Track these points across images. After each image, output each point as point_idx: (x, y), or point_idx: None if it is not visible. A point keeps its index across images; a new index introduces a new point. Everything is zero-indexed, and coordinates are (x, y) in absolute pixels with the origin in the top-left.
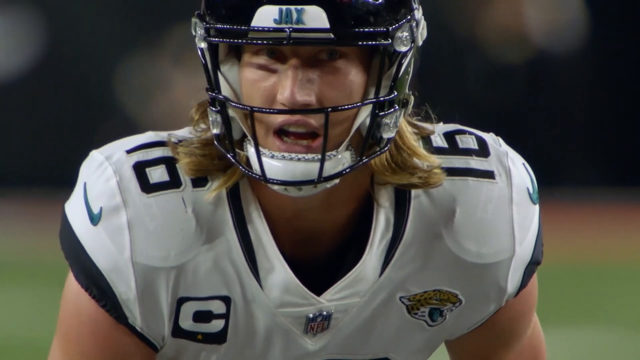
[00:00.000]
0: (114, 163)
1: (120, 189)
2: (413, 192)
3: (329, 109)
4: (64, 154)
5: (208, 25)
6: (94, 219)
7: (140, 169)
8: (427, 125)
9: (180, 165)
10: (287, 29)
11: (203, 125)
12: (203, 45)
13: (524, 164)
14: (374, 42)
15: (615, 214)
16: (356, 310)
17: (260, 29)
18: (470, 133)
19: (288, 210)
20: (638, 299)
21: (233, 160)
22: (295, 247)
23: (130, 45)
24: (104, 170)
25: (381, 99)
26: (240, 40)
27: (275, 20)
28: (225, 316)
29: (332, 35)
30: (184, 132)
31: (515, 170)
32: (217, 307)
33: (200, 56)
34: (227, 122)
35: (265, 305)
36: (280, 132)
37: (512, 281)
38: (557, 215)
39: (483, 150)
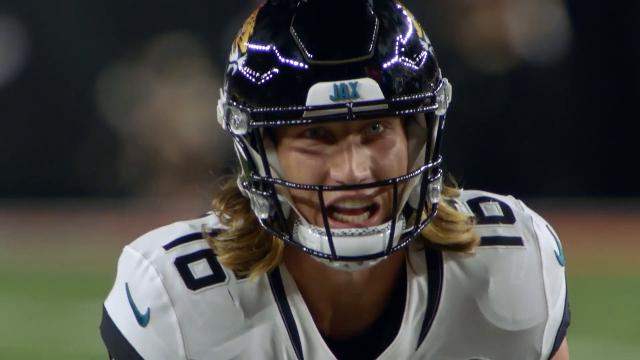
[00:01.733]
0: (154, 261)
1: (165, 287)
2: (445, 261)
3: (397, 179)
4: (46, 165)
5: (256, 111)
6: (143, 320)
7: (182, 265)
8: (451, 188)
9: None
10: (347, 104)
11: (227, 216)
12: (242, 131)
13: (547, 226)
14: (427, 108)
15: (597, 225)
16: None
17: (317, 107)
18: (494, 200)
19: (329, 289)
20: (622, 310)
21: (290, 241)
22: (333, 324)
23: (112, 57)
24: (145, 270)
25: (435, 163)
26: (300, 121)
27: (331, 97)
28: None
29: (386, 106)
30: (211, 221)
31: (542, 234)
32: None
33: (239, 142)
34: (279, 206)
35: None
36: (331, 210)
37: (546, 344)
38: None
39: (508, 216)
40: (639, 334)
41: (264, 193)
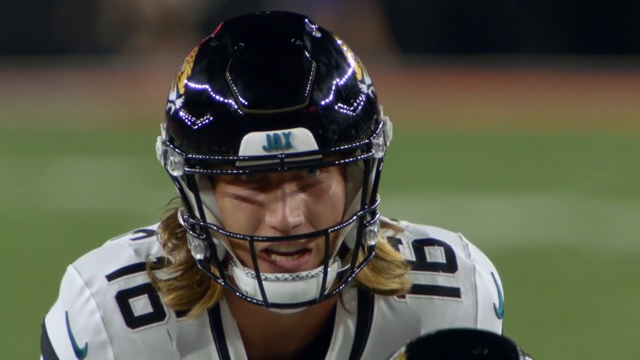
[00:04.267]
0: (96, 294)
1: (105, 324)
2: (376, 304)
3: (329, 230)
4: (23, 23)
5: (191, 156)
6: (81, 353)
7: (123, 300)
8: (394, 223)
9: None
10: (279, 156)
11: (171, 245)
12: (178, 173)
13: (492, 274)
14: (360, 157)
15: (574, 82)
16: None
17: (250, 157)
18: (440, 244)
19: (265, 323)
20: (593, 166)
21: (225, 286)
22: (265, 353)
23: None
24: (86, 301)
25: (369, 209)
26: (231, 171)
27: (264, 147)
28: None
29: (320, 156)
30: (156, 246)
31: (482, 286)
32: None
33: (176, 182)
34: (214, 249)
35: None
36: (267, 250)
37: None
38: (516, 83)
39: (450, 264)
40: (616, 191)
41: (199, 236)
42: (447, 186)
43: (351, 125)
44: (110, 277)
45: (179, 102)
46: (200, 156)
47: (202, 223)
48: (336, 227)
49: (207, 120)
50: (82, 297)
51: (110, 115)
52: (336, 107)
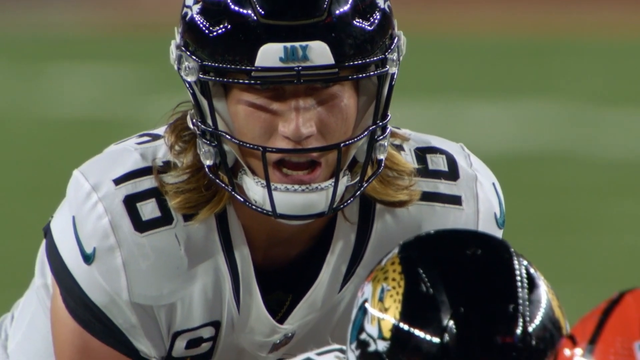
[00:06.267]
0: (103, 198)
1: (113, 228)
2: (377, 211)
3: (342, 144)
4: None
5: (206, 64)
6: (88, 258)
7: (131, 204)
8: (401, 132)
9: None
10: (296, 68)
11: (178, 148)
12: (192, 79)
13: (493, 184)
14: (375, 72)
15: None
16: (317, 321)
17: (266, 68)
18: (442, 152)
19: (270, 229)
20: (587, 71)
21: (233, 194)
22: (266, 254)
23: None
24: (93, 206)
25: (381, 123)
26: (248, 81)
27: (281, 59)
28: (214, 338)
29: (336, 70)
30: (162, 150)
31: (484, 195)
32: (208, 332)
33: (189, 88)
34: (224, 156)
35: (239, 329)
36: (279, 162)
37: None
38: None
39: (452, 173)
40: (610, 96)
41: (210, 142)
42: (442, 92)
43: (367, 40)
44: (118, 181)
45: (196, 8)
46: (216, 64)
47: (213, 130)
48: (349, 141)
49: (223, 29)
50: (89, 202)
51: (105, 21)
52: (354, 21)
